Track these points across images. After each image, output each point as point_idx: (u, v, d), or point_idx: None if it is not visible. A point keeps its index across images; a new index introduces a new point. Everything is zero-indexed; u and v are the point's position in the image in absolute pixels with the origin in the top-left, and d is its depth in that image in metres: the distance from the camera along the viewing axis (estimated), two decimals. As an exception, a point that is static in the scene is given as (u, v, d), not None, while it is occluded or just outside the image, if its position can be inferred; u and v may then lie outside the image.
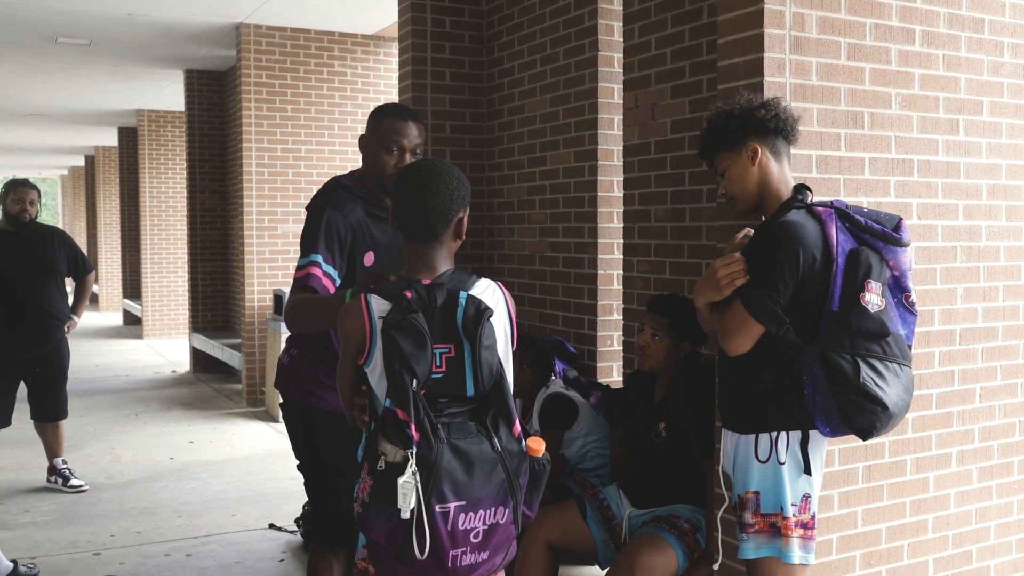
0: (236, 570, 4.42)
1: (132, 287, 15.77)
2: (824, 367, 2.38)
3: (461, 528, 2.04)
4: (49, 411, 5.74)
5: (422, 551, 2.00)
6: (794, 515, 2.49)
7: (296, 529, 4.89)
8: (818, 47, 2.90)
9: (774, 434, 2.48)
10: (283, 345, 3.16)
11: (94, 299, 19.78)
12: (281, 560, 4.59)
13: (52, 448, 5.82)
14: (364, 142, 3.00)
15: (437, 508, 2.01)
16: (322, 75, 8.73)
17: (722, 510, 2.69)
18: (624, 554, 3.08)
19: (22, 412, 5.78)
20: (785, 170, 2.60)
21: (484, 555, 2.10)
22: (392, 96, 8.66)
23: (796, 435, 2.48)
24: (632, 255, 4.12)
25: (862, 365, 2.37)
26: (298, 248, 2.93)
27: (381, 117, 2.96)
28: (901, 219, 2.51)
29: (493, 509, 2.08)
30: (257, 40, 8.46)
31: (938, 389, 3.23)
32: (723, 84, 2.94)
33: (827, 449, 2.96)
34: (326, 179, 3.21)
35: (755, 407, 2.50)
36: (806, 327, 2.43)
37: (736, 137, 2.54)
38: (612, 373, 4.46)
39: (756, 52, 2.82)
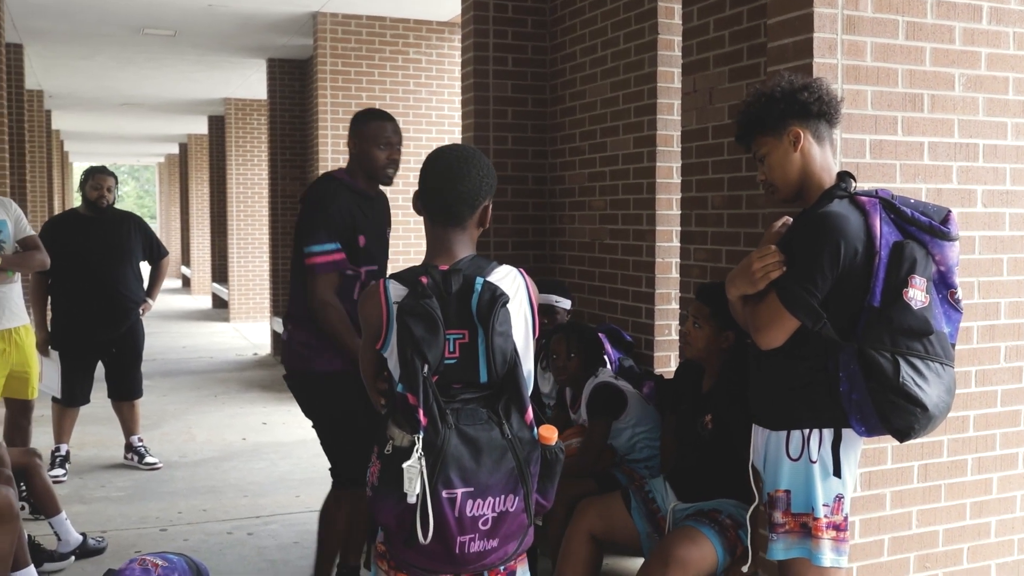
0: (294, 550, 4.50)
1: (220, 271, 16.22)
2: (862, 364, 2.27)
3: (469, 515, 2.03)
4: (125, 390, 5.93)
5: (425, 536, 1.99)
6: (826, 516, 2.39)
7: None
8: (873, 26, 2.77)
9: (806, 431, 2.39)
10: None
11: (186, 282, 20.44)
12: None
13: (128, 426, 6.02)
14: (353, 142, 3.50)
15: (444, 494, 2.00)
16: (397, 62, 8.79)
17: (752, 507, 2.61)
18: (660, 547, 3.02)
19: (102, 391, 6.00)
20: (827, 156, 2.48)
21: (494, 543, 2.08)
22: (465, 83, 8.67)
23: (829, 433, 2.39)
24: (689, 243, 4.02)
25: (902, 364, 2.26)
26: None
27: (368, 120, 3.50)
28: (950, 212, 2.38)
29: (503, 497, 2.06)
30: (333, 28, 8.56)
31: (1004, 386, 3.07)
32: (773, 66, 2.84)
33: (879, 447, 2.85)
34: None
35: (788, 402, 2.41)
36: (845, 322, 2.32)
37: (777, 121, 2.43)
38: (669, 363, 4.38)
39: (806, 32, 2.71)
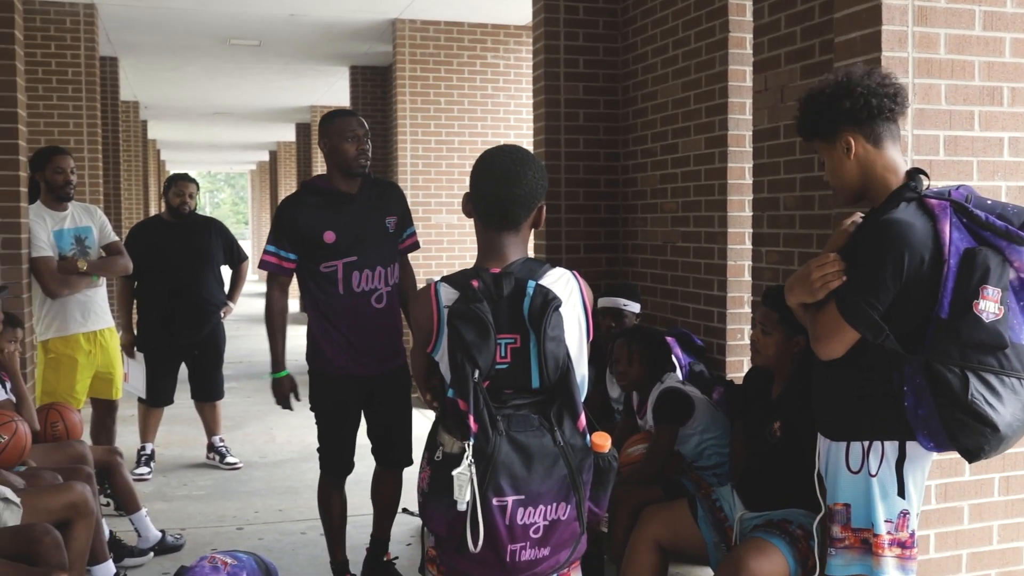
0: (364, 552, 4.53)
1: (307, 276, 16.53)
2: (928, 379, 2.14)
3: (520, 523, 2.00)
4: (207, 392, 6.08)
5: (475, 544, 1.97)
6: (889, 532, 2.28)
7: (415, 512, 4.97)
8: (947, 17, 2.65)
9: (867, 444, 2.28)
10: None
11: (276, 287, 20.90)
12: (408, 544, 4.68)
13: (210, 427, 6.18)
14: (324, 142, 3.71)
15: (494, 501, 1.97)
16: (475, 67, 8.82)
17: (818, 519, 2.51)
18: (730, 559, 2.94)
19: (187, 392, 6.17)
20: (890, 155, 2.31)
21: (545, 551, 2.05)
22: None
23: (892, 446, 2.26)
24: (761, 245, 3.93)
25: (972, 379, 2.11)
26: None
27: (333, 118, 3.72)
28: None
29: (554, 505, 2.02)
30: (412, 35, 8.65)
31: (1094, 395, 2.89)
32: (840, 61, 2.75)
33: (955, 456, 2.72)
34: None
35: (849, 413, 2.31)
36: (911, 333, 2.19)
37: (827, 130, 2.30)
38: (742, 368, 4.27)
39: (874, 25, 2.62)
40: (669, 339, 3.96)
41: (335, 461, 3.90)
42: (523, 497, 1.99)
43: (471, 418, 1.97)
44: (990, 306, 2.13)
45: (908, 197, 2.25)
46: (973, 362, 2.13)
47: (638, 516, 3.35)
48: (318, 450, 3.97)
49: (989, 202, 2.24)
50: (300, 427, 7.34)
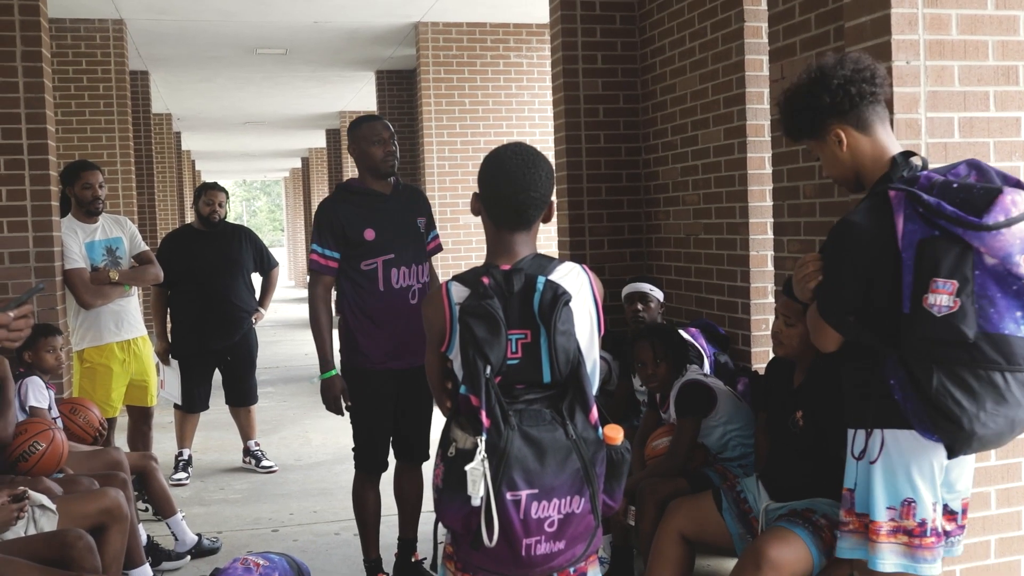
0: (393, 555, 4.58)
1: (341, 280, 16.67)
2: (907, 373, 2.13)
3: (534, 517, 2.01)
4: (241, 397, 6.16)
5: (491, 538, 1.98)
6: (892, 519, 2.26)
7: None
8: (958, -3, 2.62)
9: (867, 431, 2.28)
10: None
11: (311, 292, 21.09)
12: (440, 543, 4.70)
13: (246, 431, 6.26)
14: (353, 148, 3.88)
15: (508, 496, 1.99)
16: (498, 67, 8.86)
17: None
18: (751, 548, 2.93)
19: (221, 399, 6.26)
20: (880, 140, 2.27)
21: (560, 544, 2.06)
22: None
23: (893, 435, 2.25)
24: (782, 235, 3.90)
25: (937, 374, 2.06)
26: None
27: (360, 124, 3.88)
28: (1001, 192, 2.05)
29: (568, 498, 2.03)
30: (435, 37, 8.70)
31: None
32: (851, 46, 2.73)
33: None
34: None
35: (852, 402, 2.33)
36: (890, 328, 2.16)
37: (814, 128, 2.30)
38: (767, 358, 4.23)
39: (883, 8, 2.60)
40: (693, 330, 3.96)
41: (371, 457, 3.97)
42: (537, 491, 2.00)
43: (483, 413, 1.99)
44: (942, 299, 2.04)
45: (877, 190, 2.22)
46: (940, 357, 2.06)
47: (664, 508, 3.36)
48: (353, 449, 4.02)
49: (955, 185, 2.12)
50: (335, 430, 7.42)
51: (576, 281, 2.18)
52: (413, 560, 4.16)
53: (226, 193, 6.05)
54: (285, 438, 7.19)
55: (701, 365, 3.94)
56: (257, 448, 6.25)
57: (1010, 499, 2.76)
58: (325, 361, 3.86)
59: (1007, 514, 2.76)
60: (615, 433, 2.08)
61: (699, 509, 3.26)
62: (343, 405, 3.86)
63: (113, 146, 7.89)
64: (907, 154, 2.28)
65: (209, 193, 5.96)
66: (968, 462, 2.34)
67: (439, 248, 4.14)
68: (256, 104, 13.51)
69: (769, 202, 4.17)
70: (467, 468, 1.97)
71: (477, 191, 2.26)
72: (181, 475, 5.87)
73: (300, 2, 7.76)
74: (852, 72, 2.23)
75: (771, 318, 4.23)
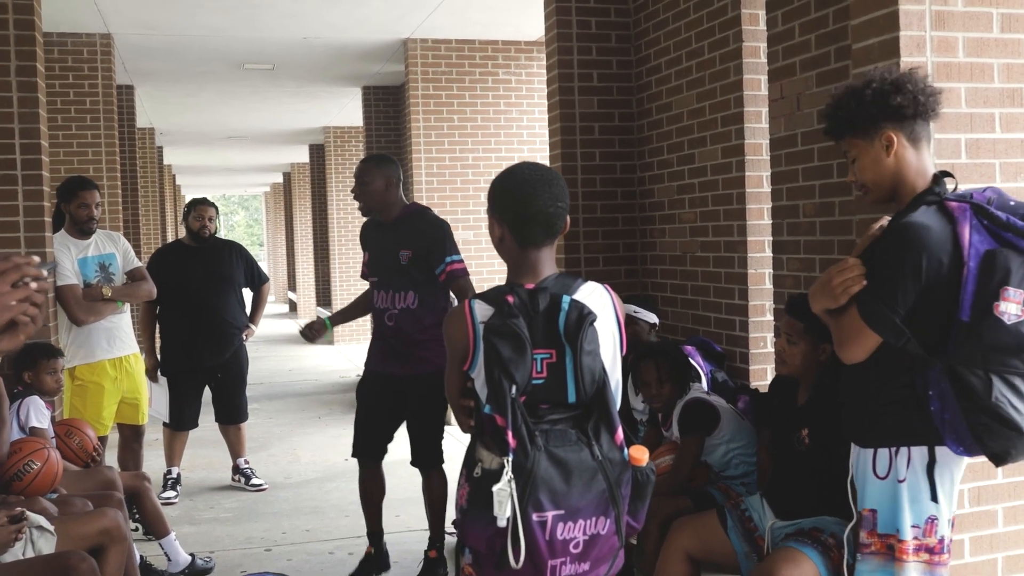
0: (393, 569, 4.54)
1: (324, 295, 16.62)
2: (952, 383, 2.14)
3: (560, 538, 2.00)
4: (231, 414, 6.11)
5: (517, 560, 1.97)
6: (916, 538, 2.27)
7: (453, 531, 4.96)
8: (965, 21, 2.66)
9: (893, 449, 2.27)
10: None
11: (293, 307, 21.03)
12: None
13: (235, 449, 6.20)
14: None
15: (534, 517, 1.97)
16: (487, 84, 8.88)
17: (849, 526, 2.51)
18: (761, 569, 2.92)
19: (211, 415, 6.20)
20: (924, 157, 2.32)
21: (585, 566, 2.05)
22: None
23: (920, 452, 2.26)
24: (781, 253, 3.93)
25: (996, 382, 2.11)
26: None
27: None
28: None
29: (594, 519, 2.02)
30: (423, 54, 8.71)
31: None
32: (858, 68, 2.75)
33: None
34: None
35: (875, 419, 2.30)
36: (934, 337, 2.18)
37: (868, 125, 2.29)
38: (765, 376, 4.26)
39: (892, 31, 2.63)
40: (689, 348, 3.96)
41: (359, 444, 4.43)
42: (563, 512, 1.99)
43: (509, 433, 1.98)
44: (1012, 307, 2.10)
45: (928, 200, 2.25)
46: (997, 365, 2.12)
47: (667, 527, 3.35)
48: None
49: (1012, 203, 2.22)
50: (323, 447, 7.38)
51: (600, 300, 2.18)
52: (431, 556, 4.43)
53: (216, 208, 6.01)
54: (273, 455, 7.13)
55: (698, 382, 3.93)
56: (247, 466, 6.19)
57: (1017, 517, 2.77)
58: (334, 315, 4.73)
59: (1014, 532, 2.77)
60: (640, 454, 2.08)
61: (704, 528, 3.25)
62: (307, 334, 4.55)
63: (99, 161, 7.82)
64: (944, 174, 2.31)
65: (199, 208, 5.92)
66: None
67: (454, 276, 4.20)
68: (241, 119, 13.46)
69: (767, 220, 4.20)
70: (494, 489, 1.95)
71: (494, 219, 2.24)
72: (170, 493, 5.80)
73: (290, 18, 7.75)
74: (923, 85, 2.28)
75: (769, 335, 4.25)
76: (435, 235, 4.22)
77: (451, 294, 4.28)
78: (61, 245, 4.67)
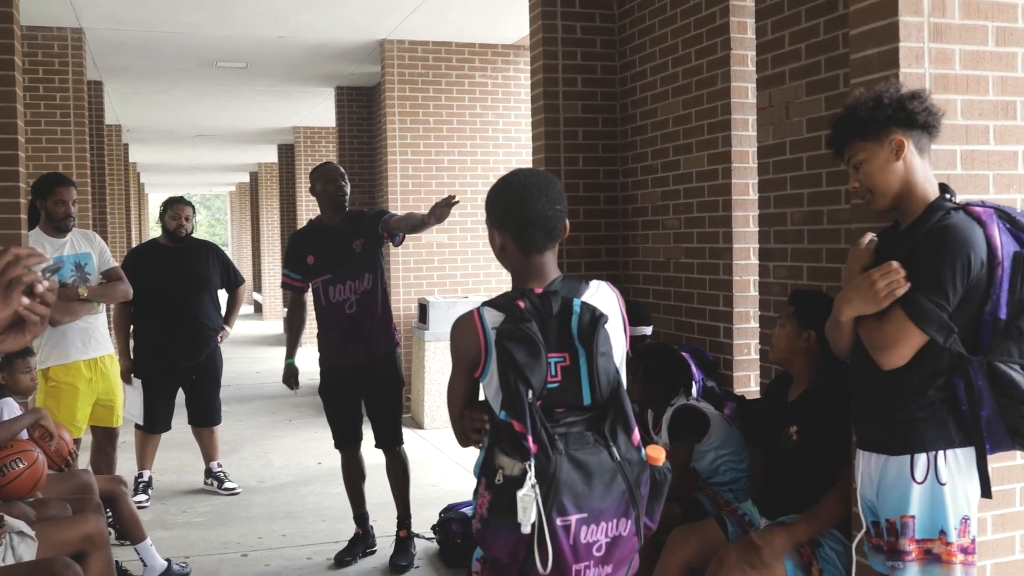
0: (373, 575, 4.50)
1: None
2: (990, 378, 2.25)
3: (583, 541, 1.99)
4: (205, 417, 6.02)
5: (544, 565, 1.95)
6: (956, 539, 2.31)
7: (433, 536, 4.93)
8: (961, 33, 2.68)
9: (932, 453, 2.31)
10: (402, 344, 4.97)
11: (258, 308, 20.81)
12: (416, 567, 4.64)
13: (208, 452, 6.11)
14: (315, 189, 4.75)
15: (558, 521, 1.96)
16: (463, 86, 8.85)
17: (859, 536, 2.52)
18: (719, 559, 2.96)
19: (182, 418, 6.11)
20: (928, 168, 2.42)
21: (608, 569, 2.04)
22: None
23: (956, 453, 2.32)
24: (768, 260, 3.95)
25: None
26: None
27: (318, 168, 4.82)
28: None
29: (615, 521, 2.02)
30: (400, 55, 8.66)
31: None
32: (856, 78, 2.77)
33: (1007, 488, 2.73)
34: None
35: (909, 425, 2.34)
36: (966, 336, 2.28)
37: (880, 127, 2.36)
38: (749, 383, 4.28)
39: (891, 42, 2.64)
40: (685, 354, 3.97)
41: (336, 435, 4.83)
42: (586, 515, 1.98)
43: (530, 439, 1.96)
44: None
45: (951, 207, 2.34)
46: None
47: (657, 535, 3.34)
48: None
49: (1018, 210, 2.37)
50: (296, 450, 7.30)
51: (606, 300, 2.18)
52: (401, 535, 4.73)
53: (193, 208, 5.93)
54: (245, 459, 7.04)
55: (689, 389, 3.94)
56: (220, 470, 6.11)
57: (1005, 525, 2.80)
58: (288, 352, 5.03)
59: (1002, 539, 2.80)
60: (658, 454, 2.07)
61: (708, 538, 3.24)
62: (292, 385, 4.95)
63: (69, 157, 7.67)
64: (946, 187, 2.41)
65: (175, 207, 5.83)
66: None
67: (389, 221, 4.63)
68: (211, 117, 13.29)
69: (753, 228, 4.22)
70: (518, 494, 1.93)
71: (494, 228, 2.23)
72: (141, 497, 5.71)
73: (266, 17, 7.67)
74: (933, 106, 2.40)
75: (754, 342, 4.27)
76: (373, 216, 4.71)
77: (392, 245, 4.92)
78: (36, 243, 4.57)
